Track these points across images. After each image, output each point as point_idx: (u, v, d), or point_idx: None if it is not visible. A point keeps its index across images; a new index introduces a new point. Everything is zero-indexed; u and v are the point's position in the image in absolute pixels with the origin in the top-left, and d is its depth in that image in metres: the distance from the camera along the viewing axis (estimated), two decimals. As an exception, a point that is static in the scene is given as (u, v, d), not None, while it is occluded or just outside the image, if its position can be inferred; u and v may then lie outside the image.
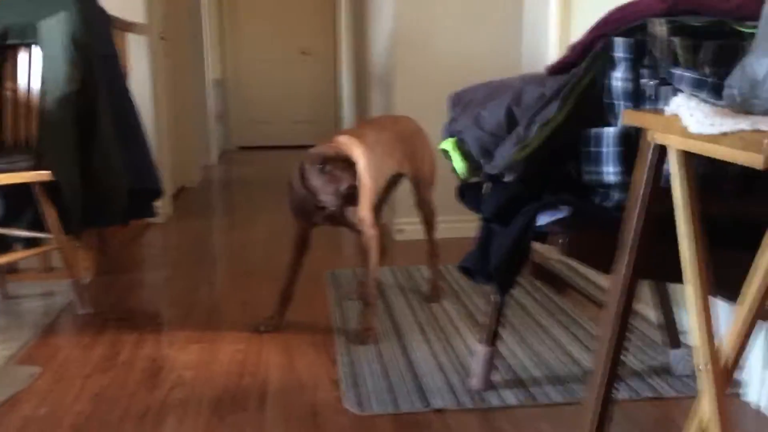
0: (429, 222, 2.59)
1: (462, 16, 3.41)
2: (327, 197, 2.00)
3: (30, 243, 2.64)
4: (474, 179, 1.73)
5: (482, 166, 1.63)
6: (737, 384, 1.84)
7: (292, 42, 7.71)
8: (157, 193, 2.91)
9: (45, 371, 2.02)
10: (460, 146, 1.70)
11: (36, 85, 2.42)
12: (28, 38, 2.43)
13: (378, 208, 2.55)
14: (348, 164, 2.00)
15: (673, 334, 1.93)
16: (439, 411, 1.76)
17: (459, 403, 1.79)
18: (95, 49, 2.47)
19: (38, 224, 2.52)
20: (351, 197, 1.97)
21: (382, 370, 1.99)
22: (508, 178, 1.55)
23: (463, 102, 1.73)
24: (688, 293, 1.13)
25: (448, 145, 1.72)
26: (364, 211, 2.16)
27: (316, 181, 2.01)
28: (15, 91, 2.48)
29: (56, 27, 2.38)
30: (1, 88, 2.50)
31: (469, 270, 1.69)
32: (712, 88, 1.18)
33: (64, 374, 2.00)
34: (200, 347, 2.18)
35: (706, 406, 1.11)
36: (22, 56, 2.46)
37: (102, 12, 2.67)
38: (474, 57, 3.41)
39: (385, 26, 3.65)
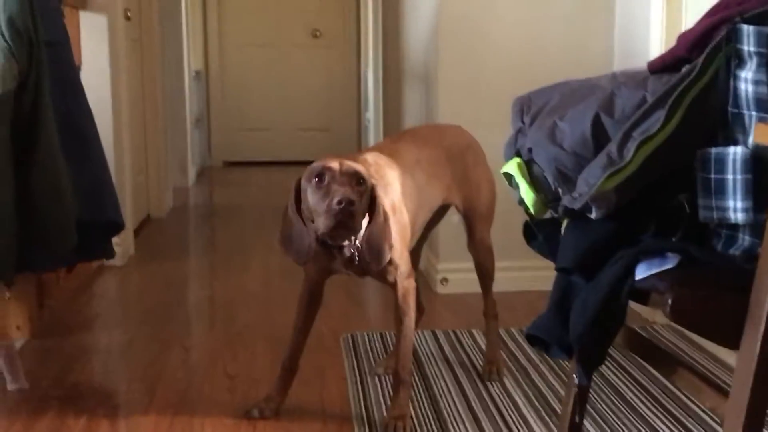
0: (485, 270, 2.59)
1: (530, -7, 3.45)
2: (318, 219, 1.99)
3: (-54, 292, 2.68)
4: (548, 214, 1.74)
5: (560, 197, 1.65)
6: None
7: (299, 21, 7.83)
8: (115, 226, 2.95)
9: (-38, 468, 2.05)
10: (530, 169, 1.72)
11: (-40, 82, 2.48)
12: (-49, 20, 2.50)
13: (416, 250, 2.56)
14: (355, 178, 2.02)
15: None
16: None
17: None
18: (38, 34, 2.53)
19: (-43, 267, 2.57)
20: (349, 217, 1.96)
21: (419, 474, 1.99)
22: (595, 214, 1.56)
23: (533, 109, 1.74)
24: None
25: (512, 167, 1.74)
26: (397, 254, 2.17)
27: (312, 199, 2.02)
28: (-68, 89, 2.55)
29: (-12, 5, 2.45)
30: None
31: (541, 339, 1.69)
32: None
33: (-12, 472, 2.03)
34: (171, 438, 2.20)
35: None
36: (-58, 43, 2.54)
37: (48, -16, 2.75)
38: (546, 49, 3.44)
39: (427, 6, 3.70)
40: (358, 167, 2.05)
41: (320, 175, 2.01)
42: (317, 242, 2.08)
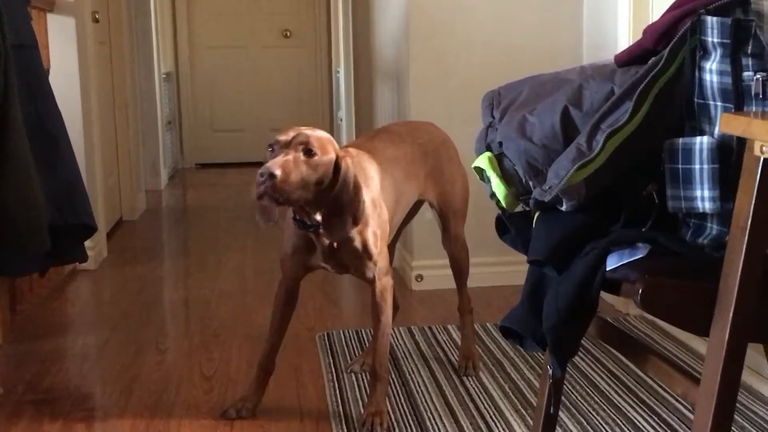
0: (459, 265, 2.61)
1: (498, -11, 3.47)
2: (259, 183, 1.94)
3: None
4: (520, 208, 1.75)
5: (530, 190, 1.66)
6: None
7: (269, 21, 7.81)
8: (87, 229, 2.94)
9: (-63, 475, 2.03)
10: (501, 163, 1.72)
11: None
12: None
13: (390, 248, 2.57)
14: (304, 148, 1.98)
15: (796, 417, 1.93)
16: None
17: None
18: (6, 37, 2.52)
19: (-72, 273, 2.55)
20: (272, 189, 1.91)
21: (397, 469, 2.00)
22: (565, 206, 1.57)
23: (503, 103, 1.75)
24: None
25: (483, 161, 1.74)
26: (376, 250, 2.18)
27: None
28: None
29: (-46, 8, 2.44)
30: None
31: (514, 331, 1.69)
32: (840, 84, 1.20)
33: (-37, 479, 2.02)
34: (148, 440, 2.19)
35: None
36: None
37: (15, -13, 2.73)
38: (515, 43, 3.46)
39: (397, 4, 3.71)
40: (316, 137, 2.00)
41: (271, 146, 2.01)
42: (296, 226, 2.11)
